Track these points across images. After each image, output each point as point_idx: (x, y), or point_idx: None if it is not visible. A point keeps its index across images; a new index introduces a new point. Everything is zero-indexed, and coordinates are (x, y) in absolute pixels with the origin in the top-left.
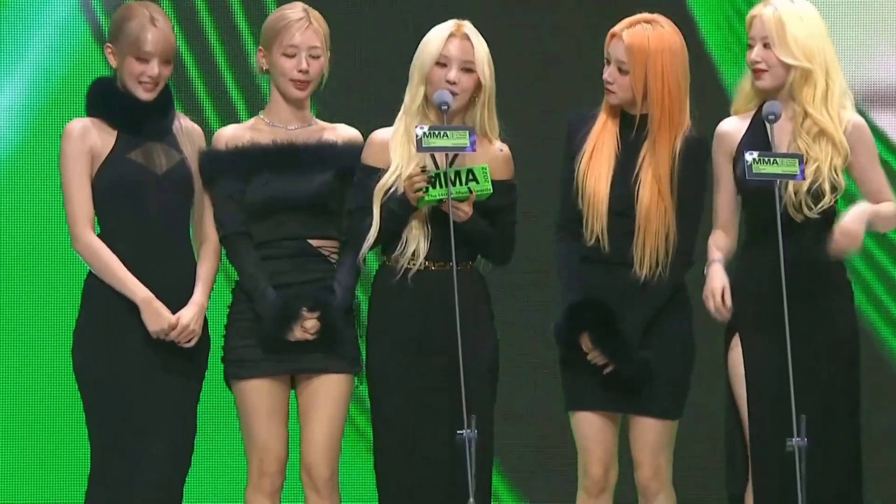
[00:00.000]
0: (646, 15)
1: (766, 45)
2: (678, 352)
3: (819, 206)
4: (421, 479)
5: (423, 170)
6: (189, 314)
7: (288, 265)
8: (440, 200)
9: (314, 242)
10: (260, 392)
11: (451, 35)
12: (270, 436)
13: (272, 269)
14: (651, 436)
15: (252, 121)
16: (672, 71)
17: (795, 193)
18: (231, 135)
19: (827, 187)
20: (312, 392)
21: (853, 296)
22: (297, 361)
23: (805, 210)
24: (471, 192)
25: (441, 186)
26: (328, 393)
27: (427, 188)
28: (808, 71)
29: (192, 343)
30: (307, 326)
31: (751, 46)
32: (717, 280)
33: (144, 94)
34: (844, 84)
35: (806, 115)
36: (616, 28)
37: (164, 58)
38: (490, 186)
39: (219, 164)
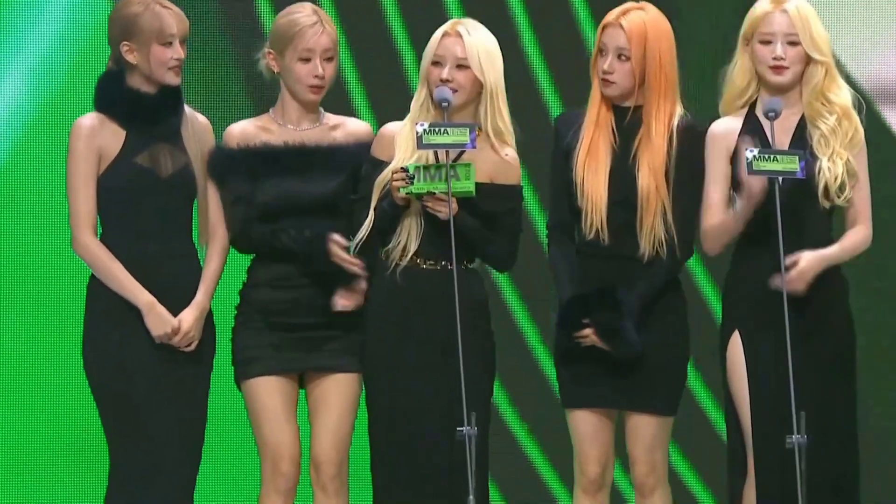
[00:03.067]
0: (633, 3)
1: (790, 43)
2: (674, 348)
3: (844, 195)
4: (417, 478)
5: (404, 169)
6: (190, 318)
7: (299, 267)
8: (420, 195)
9: None
10: (269, 390)
11: (445, 34)
12: (282, 433)
13: (282, 271)
14: (648, 432)
15: (262, 119)
16: (668, 55)
17: (834, 179)
18: (241, 133)
19: (846, 178)
20: (323, 390)
21: (848, 292)
22: (306, 360)
23: (835, 198)
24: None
25: (422, 181)
26: (339, 390)
27: (412, 182)
28: (830, 66)
29: (192, 347)
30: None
31: (769, 42)
32: None
33: (175, 79)
34: None
35: (831, 104)
36: (610, 17)
37: (183, 37)
38: (472, 186)
39: (229, 164)
